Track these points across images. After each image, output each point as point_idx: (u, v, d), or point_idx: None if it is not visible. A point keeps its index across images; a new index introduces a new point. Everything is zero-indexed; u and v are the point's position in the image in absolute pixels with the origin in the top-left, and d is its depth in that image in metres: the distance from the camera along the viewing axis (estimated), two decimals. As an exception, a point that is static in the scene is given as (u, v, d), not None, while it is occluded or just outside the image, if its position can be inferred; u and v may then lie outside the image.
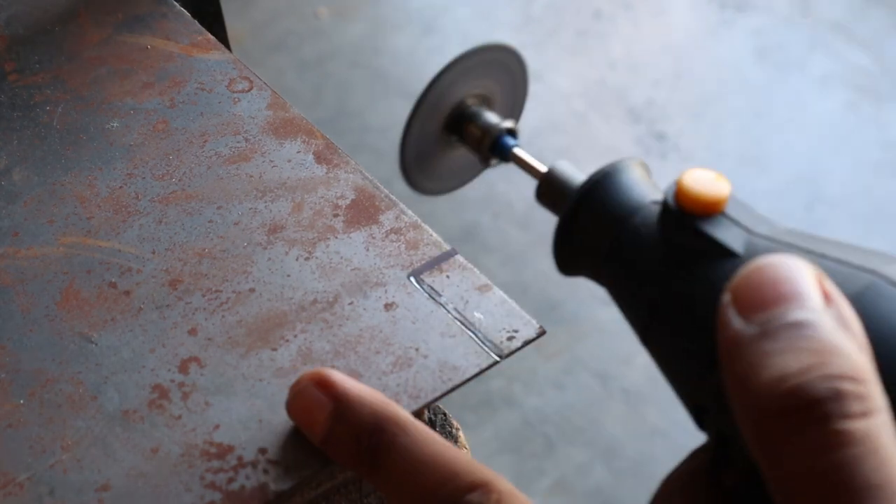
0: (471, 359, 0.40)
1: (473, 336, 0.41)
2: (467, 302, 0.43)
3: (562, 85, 1.93)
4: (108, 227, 0.47)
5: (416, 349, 0.41)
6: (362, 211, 0.47)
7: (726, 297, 0.26)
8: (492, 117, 0.38)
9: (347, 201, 0.48)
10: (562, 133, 1.83)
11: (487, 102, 0.39)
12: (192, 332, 0.42)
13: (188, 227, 0.47)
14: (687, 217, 0.31)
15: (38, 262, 0.46)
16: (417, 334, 0.41)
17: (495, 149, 0.38)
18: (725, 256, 0.30)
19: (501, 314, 0.42)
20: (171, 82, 0.55)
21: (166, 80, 0.56)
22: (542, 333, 0.41)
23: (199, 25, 0.60)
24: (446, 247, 0.45)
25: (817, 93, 1.90)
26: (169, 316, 0.43)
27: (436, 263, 0.44)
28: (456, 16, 2.11)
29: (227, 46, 0.61)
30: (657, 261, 0.32)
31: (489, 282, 0.44)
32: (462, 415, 1.39)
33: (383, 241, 0.45)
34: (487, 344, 0.41)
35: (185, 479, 0.37)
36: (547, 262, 1.33)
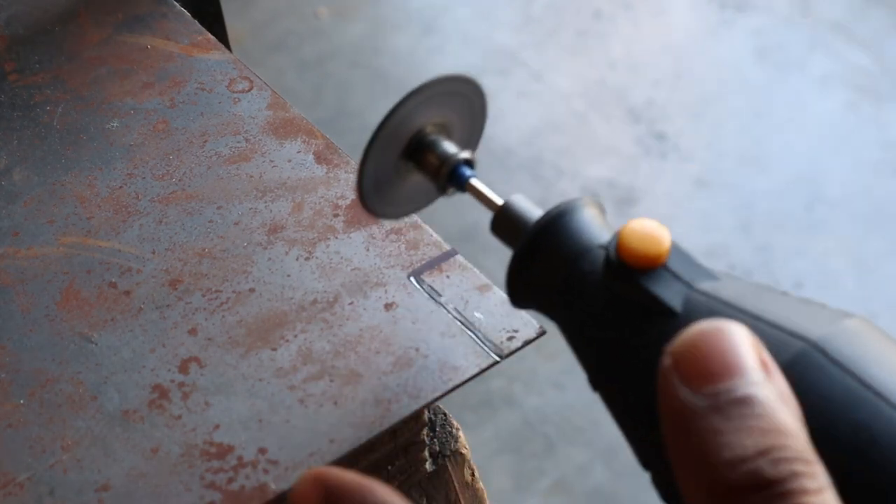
0: (471, 359, 0.40)
1: (473, 336, 0.41)
2: (467, 302, 0.43)
3: (562, 85, 1.93)
4: (108, 227, 0.47)
5: (416, 349, 0.41)
6: (362, 211, 0.47)
7: (667, 361, 0.26)
8: (450, 147, 0.39)
9: (347, 201, 0.48)
10: (562, 133, 1.83)
11: (446, 132, 0.39)
12: (192, 332, 0.42)
13: (188, 227, 0.47)
14: (627, 270, 0.31)
15: (38, 262, 0.46)
16: (417, 334, 0.41)
17: (452, 178, 0.39)
18: (664, 313, 0.31)
19: (501, 314, 0.42)
20: (171, 82, 0.55)
21: (166, 80, 0.56)
22: (542, 333, 0.41)
23: (199, 25, 0.60)
24: (446, 247, 0.45)
25: (817, 93, 1.90)
26: (169, 316, 0.43)
27: (436, 263, 0.44)
28: (456, 16, 2.11)
29: (227, 46, 0.61)
30: (600, 307, 0.32)
31: (489, 282, 0.44)
32: (462, 415, 1.39)
33: (383, 241, 0.45)
34: (487, 344, 0.41)
35: (185, 479, 0.37)
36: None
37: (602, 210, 0.36)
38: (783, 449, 0.24)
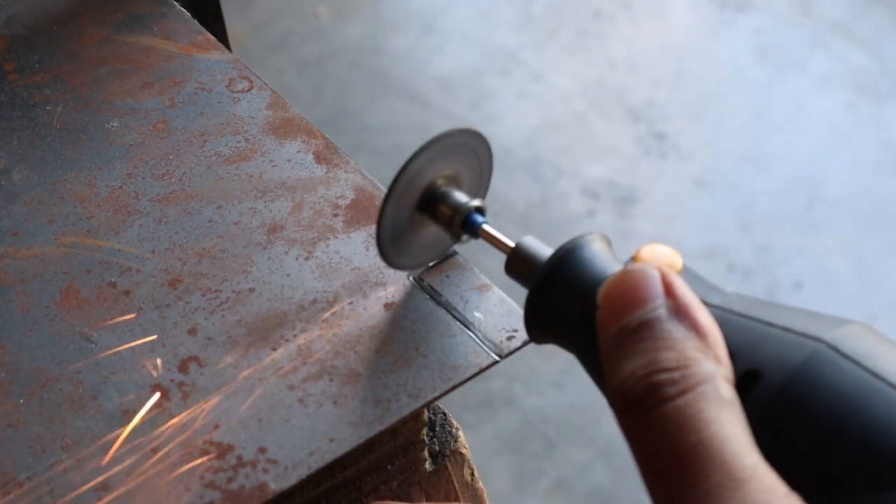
0: (470, 358, 0.40)
1: (473, 336, 0.41)
2: (467, 302, 0.43)
3: (562, 85, 1.93)
4: (108, 227, 0.47)
5: (416, 349, 0.41)
6: (362, 211, 0.47)
7: (599, 312, 0.30)
8: (461, 197, 0.41)
9: (347, 201, 0.48)
10: (562, 133, 1.83)
11: (456, 182, 0.42)
12: (192, 331, 0.42)
13: (188, 227, 0.47)
14: None
15: (38, 261, 0.46)
16: (417, 334, 0.41)
17: (465, 226, 0.41)
18: None
19: (501, 314, 0.42)
20: (171, 82, 0.56)
21: (166, 79, 0.56)
22: (541, 333, 0.41)
23: (199, 25, 0.60)
24: (446, 246, 0.45)
25: (817, 93, 1.90)
26: (169, 316, 0.43)
27: (436, 263, 0.44)
28: (456, 16, 2.11)
29: (227, 46, 0.61)
30: None
31: (489, 282, 0.44)
32: (462, 415, 1.39)
33: (376, 244, 0.45)
34: (487, 343, 0.41)
35: (185, 479, 0.37)
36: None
37: (609, 243, 0.37)
38: (654, 363, 0.28)
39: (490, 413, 1.42)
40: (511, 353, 0.41)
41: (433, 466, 0.46)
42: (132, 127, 0.53)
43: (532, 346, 0.42)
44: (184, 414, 0.39)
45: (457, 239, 0.41)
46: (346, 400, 0.39)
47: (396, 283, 0.44)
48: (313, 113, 1.86)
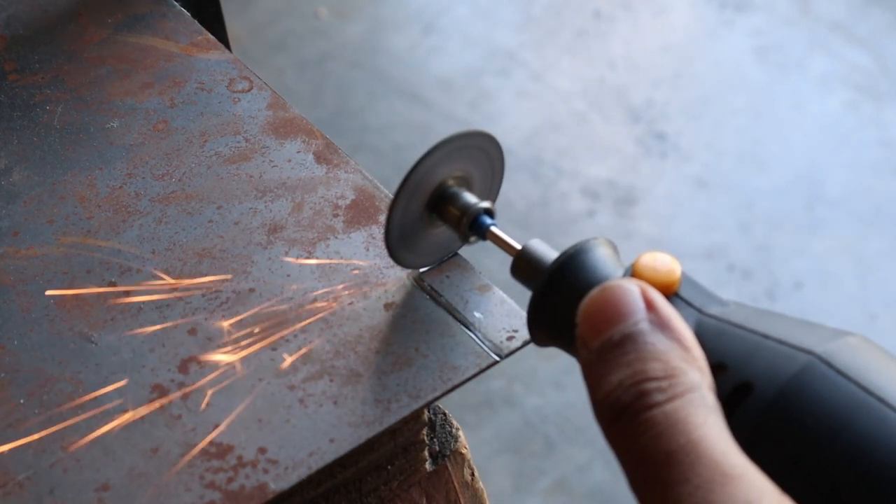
0: (471, 359, 0.40)
1: (473, 336, 0.41)
2: (467, 302, 0.43)
3: (562, 85, 1.93)
4: (108, 227, 0.47)
5: (416, 349, 0.41)
6: (362, 211, 0.47)
7: (578, 328, 0.31)
8: (470, 198, 0.41)
9: (347, 201, 0.48)
10: (562, 133, 1.83)
11: (466, 184, 0.42)
12: (192, 332, 0.42)
13: (188, 227, 0.47)
14: None
15: (38, 261, 0.46)
16: (417, 334, 0.41)
17: (473, 227, 0.41)
18: None
19: (501, 314, 0.42)
20: (171, 82, 0.56)
21: (166, 79, 0.56)
22: (541, 333, 0.41)
23: (199, 25, 0.60)
24: (446, 247, 0.45)
25: (817, 93, 1.90)
26: (169, 316, 0.43)
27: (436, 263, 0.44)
28: (456, 15, 2.11)
29: (227, 46, 0.61)
30: None
31: (489, 282, 0.44)
32: (462, 415, 1.39)
33: (383, 241, 0.45)
34: (487, 344, 0.41)
35: (184, 479, 0.37)
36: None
37: (615, 248, 0.37)
38: (641, 373, 0.28)
39: (490, 413, 1.42)
40: (511, 353, 0.41)
41: (433, 466, 0.46)
42: (132, 127, 0.53)
43: (532, 346, 0.42)
44: (184, 414, 0.39)
45: (465, 240, 0.42)
46: (346, 400, 0.39)
47: (396, 283, 0.44)
48: (313, 113, 1.86)
